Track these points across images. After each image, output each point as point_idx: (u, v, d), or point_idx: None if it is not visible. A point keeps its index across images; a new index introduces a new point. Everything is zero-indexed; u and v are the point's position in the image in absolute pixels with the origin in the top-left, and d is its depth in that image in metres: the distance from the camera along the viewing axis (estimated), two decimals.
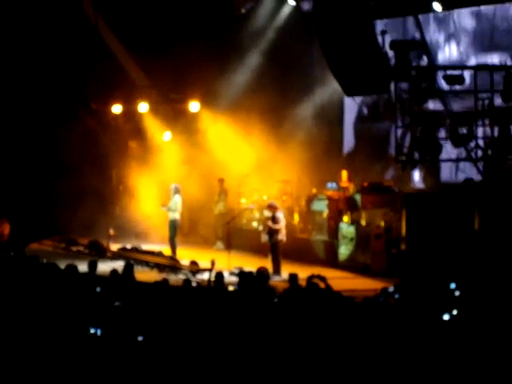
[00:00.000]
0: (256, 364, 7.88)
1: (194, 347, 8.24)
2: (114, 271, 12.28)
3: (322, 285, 10.80)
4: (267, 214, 18.48)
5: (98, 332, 8.65)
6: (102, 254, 20.92)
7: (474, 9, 20.79)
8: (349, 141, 23.47)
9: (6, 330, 8.86)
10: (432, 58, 17.90)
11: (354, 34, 15.27)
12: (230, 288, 11.37)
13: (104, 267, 13.97)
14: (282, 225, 17.90)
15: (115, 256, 20.56)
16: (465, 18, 20.95)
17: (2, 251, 17.78)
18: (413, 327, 8.22)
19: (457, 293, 9.48)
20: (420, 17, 18.29)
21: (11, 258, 15.71)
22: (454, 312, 8.39)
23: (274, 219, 17.91)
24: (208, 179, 23.71)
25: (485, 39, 20.56)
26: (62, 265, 13.33)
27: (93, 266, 13.10)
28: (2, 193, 22.90)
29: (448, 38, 21.35)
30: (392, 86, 17.59)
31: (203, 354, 8.12)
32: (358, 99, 21.93)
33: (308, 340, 8.25)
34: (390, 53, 16.24)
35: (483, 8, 20.53)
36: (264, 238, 18.34)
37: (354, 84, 16.05)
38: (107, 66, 23.48)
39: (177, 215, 20.40)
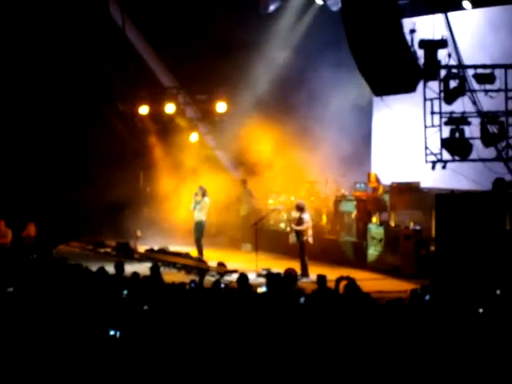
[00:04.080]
0: (283, 364, 7.79)
1: (222, 347, 8.16)
2: (135, 274, 12.17)
3: (341, 286, 10.69)
4: (294, 214, 18.33)
5: (117, 334, 8.55)
6: (130, 255, 20.92)
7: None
8: (377, 146, 23.20)
9: (26, 329, 8.84)
10: (461, 59, 17.61)
11: (383, 33, 15.09)
12: (259, 290, 11.27)
13: (131, 269, 13.89)
14: (306, 226, 17.76)
15: (143, 258, 20.55)
16: None
17: (30, 253, 17.85)
18: (446, 327, 8.09)
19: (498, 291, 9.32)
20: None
21: (35, 260, 15.73)
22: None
23: (300, 220, 17.78)
24: (235, 180, 23.67)
25: None
26: (90, 266, 13.29)
27: (120, 267, 13.04)
28: (29, 195, 23.00)
29: None
30: (421, 86, 17.36)
31: (231, 354, 8.04)
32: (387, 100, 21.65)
33: (335, 341, 8.14)
34: (419, 52, 16.00)
35: None
36: (292, 238, 18.20)
37: (381, 83, 15.86)
38: (134, 68, 23.50)
39: (203, 217, 20.31)
